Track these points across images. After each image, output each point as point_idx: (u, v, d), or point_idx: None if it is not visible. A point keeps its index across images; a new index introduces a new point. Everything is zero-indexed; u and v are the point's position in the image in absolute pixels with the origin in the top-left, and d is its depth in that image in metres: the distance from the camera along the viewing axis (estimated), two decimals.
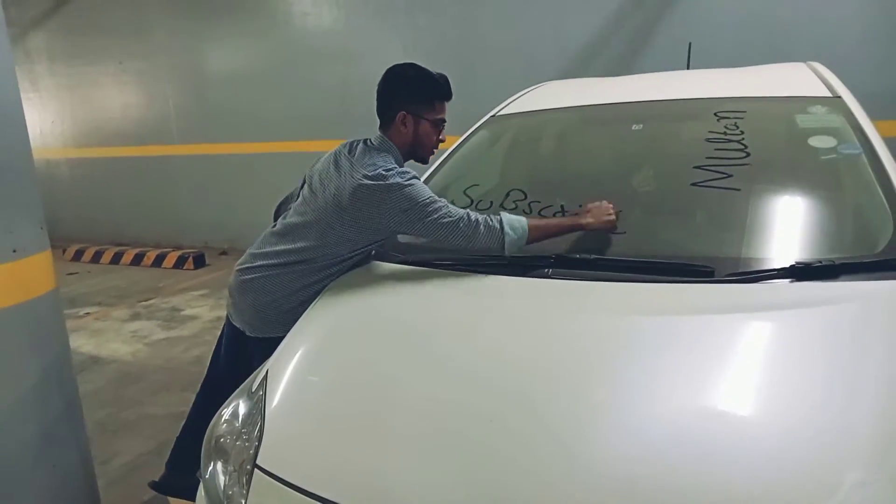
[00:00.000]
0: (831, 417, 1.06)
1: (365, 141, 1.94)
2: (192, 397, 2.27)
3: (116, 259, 7.05)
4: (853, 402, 1.09)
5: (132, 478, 2.69)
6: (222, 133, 6.91)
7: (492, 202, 2.01)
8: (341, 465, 1.20)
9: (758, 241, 1.65)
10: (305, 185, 1.98)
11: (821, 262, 1.43)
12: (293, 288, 1.86)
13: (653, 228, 1.80)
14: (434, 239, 1.77)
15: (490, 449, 1.12)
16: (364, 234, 1.84)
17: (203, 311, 5.04)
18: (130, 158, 7.60)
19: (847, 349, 1.22)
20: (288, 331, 1.66)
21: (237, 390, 1.58)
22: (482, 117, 2.55)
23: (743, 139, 1.86)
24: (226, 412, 1.48)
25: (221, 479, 1.33)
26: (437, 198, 1.77)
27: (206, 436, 1.46)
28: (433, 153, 2.00)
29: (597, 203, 1.75)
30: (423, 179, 1.99)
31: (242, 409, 1.46)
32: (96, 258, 7.16)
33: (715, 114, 1.99)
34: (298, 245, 1.86)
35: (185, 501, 2.03)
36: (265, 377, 1.49)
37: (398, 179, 1.75)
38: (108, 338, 4.56)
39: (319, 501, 1.14)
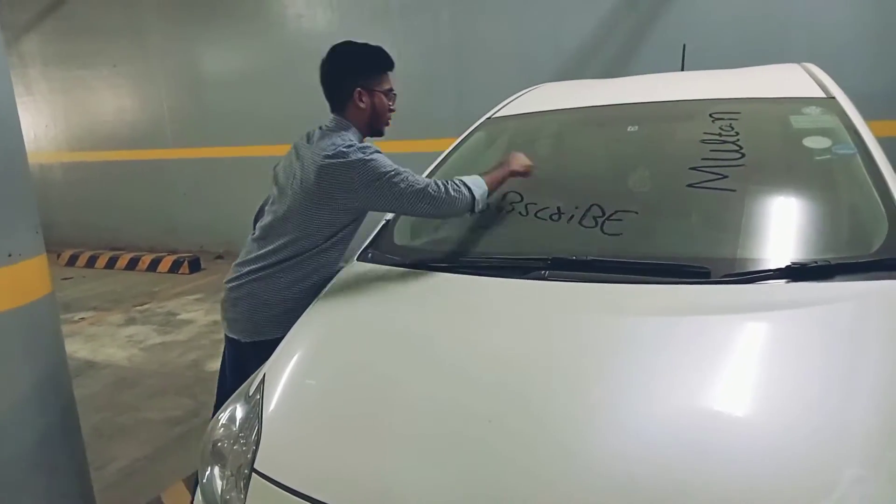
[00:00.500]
0: (828, 415, 1.06)
1: (320, 127, 1.96)
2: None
3: (111, 263, 7.03)
4: (850, 401, 1.09)
5: (128, 483, 2.68)
6: (217, 136, 6.90)
7: (488, 204, 2.01)
8: (339, 468, 1.20)
9: (753, 242, 1.65)
10: (273, 185, 2.01)
11: (816, 262, 1.43)
12: (281, 286, 1.86)
13: (649, 230, 1.80)
14: (405, 209, 1.83)
15: (489, 449, 1.12)
16: (338, 216, 1.85)
17: (199, 316, 5.03)
18: (125, 162, 7.58)
19: (843, 348, 1.22)
20: (281, 333, 1.66)
21: (234, 394, 1.58)
22: (478, 119, 2.55)
23: (738, 140, 1.87)
24: (223, 416, 1.47)
25: (219, 483, 1.32)
26: (400, 168, 1.81)
27: (203, 440, 1.45)
28: (389, 124, 2.03)
29: (514, 154, 2.03)
30: None
31: (239, 414, 1.45)
32: (91, 263, 7.14)
33: (710, 115, 2.00)
34: (280, 242, 1.87)
35: None
36: (262, 381, 1.48)
37: (360, 155, 1.78)
38: (104, 342, 4.54)
39: None
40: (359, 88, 1.91)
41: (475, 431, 1.16)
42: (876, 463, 0.99)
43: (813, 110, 1.97)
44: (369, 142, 1.93)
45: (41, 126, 8.06)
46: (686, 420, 1.11)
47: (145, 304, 5.49)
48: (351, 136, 1.89)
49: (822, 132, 1.87)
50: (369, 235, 2.09)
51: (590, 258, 1.63)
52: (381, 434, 1.24)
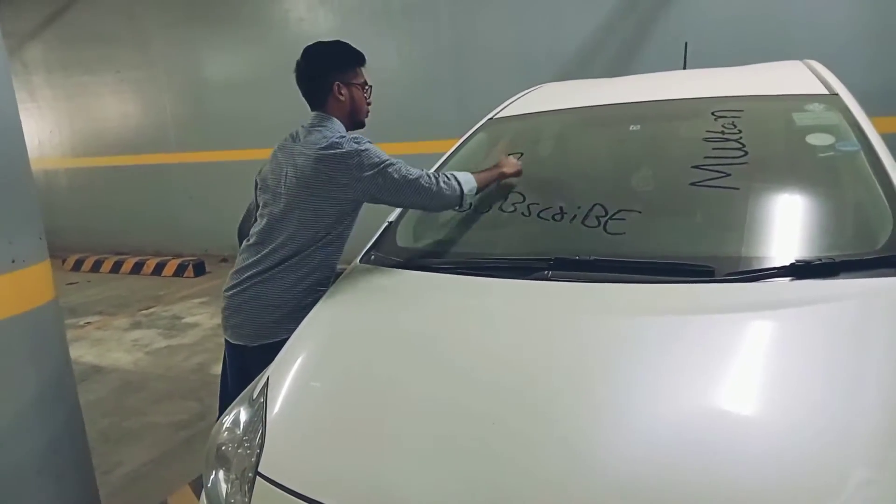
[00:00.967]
0: (834, 415, 1.06)
1: (302, 126, 1.99)
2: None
3: (116, 268, 7.06)
4: (856, 400, 1.08)
5: (134, 487, 2.69)
6: (220, 140, 6.92)
7: (490, 204, 2.01)
8: (343, 471, 1.19)
9: (757, 240, 1.64)
10: (259, 192, 2.02)
11: (821, 259, 1.43)
12: (286, 286, 1.87)
13: (652, 229, 1.79)
14: (398, 198, 1.87)
15: (493, 451, 1.12)
16: (335, 206, 1.86)
17: (204, 319, 5.04)
18: (129, 167, 7.61)
19: (849, 346, 1.21)
20: (286, 334, 1.66)
21: (238, 398, 1.57)
22: (479, 120, 2.55)
23: (741, 138, 1.86)
24: (227, 420, 1.47)
25: (223, 487, 1.32)
26: (393, 159, 1.85)
27: (207, 444, 1.45)
28: (367, 115, 2.08)
29: (506, 158, 2.09)
30: None
31: (244, 417, 1.45)
32: (96, 267, 7.16)
33: (712, 113, 1.99)
34: (279, 241, 1.88)
35: None
36: (266, 384, 1.48)
37: (354, 145, 1.83)
38: (110, 347, 4.56)
39: None
40: (337, 82, 1.96)
41: (480, 433, 1.16)
42: (883, 464, 0.98)
43: (816, 107, 1.96)
44: (357, 134, 1.97)
45: (45, 132, 8.10)
46: (691, 420, 1.10)
47: (150, 308, 5.50)
48: (338, 128, 1.93)
49: (826, 129, 1.86)
50: (372, 237, 2.09)
51: (593, 258, 1.62)
52: (385, 437, 1.24)
